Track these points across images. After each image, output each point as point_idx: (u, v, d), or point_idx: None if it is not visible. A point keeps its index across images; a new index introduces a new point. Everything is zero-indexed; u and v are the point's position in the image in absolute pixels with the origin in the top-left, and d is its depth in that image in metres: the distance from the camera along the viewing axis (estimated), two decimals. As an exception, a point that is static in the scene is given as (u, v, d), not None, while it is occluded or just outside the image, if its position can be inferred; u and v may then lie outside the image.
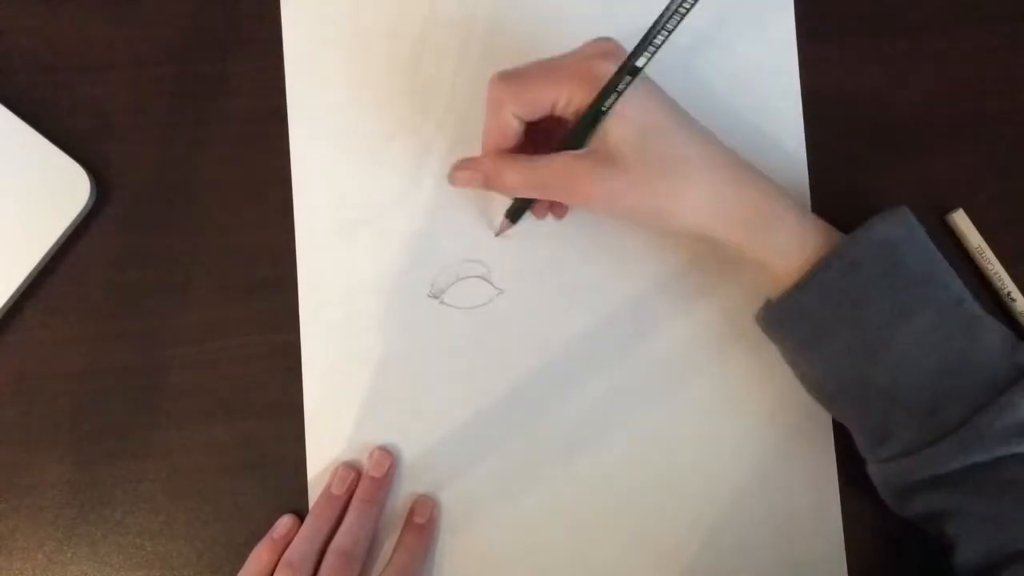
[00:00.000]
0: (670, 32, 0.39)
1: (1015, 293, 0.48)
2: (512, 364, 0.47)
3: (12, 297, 0.46)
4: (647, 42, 0.39)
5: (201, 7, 0.48)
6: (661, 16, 0.38)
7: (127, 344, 0.47)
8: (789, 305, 0.41)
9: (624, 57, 0.40)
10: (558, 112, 0.41)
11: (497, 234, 0.47)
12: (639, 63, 0.39)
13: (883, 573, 0.47)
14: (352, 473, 0.46)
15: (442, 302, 0.47)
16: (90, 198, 0.47)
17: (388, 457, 0.46)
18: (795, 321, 0.41)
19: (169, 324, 0.47)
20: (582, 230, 0.48)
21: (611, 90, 0.39)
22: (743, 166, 0.42)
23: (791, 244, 0.41)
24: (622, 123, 0.40)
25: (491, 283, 0.47)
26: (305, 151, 0.48)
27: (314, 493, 0.46)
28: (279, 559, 0.44)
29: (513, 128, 0.41)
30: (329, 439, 0.47)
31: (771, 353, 0.47)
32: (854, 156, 0.49)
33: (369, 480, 0.45)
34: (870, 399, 0.40)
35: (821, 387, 0.43)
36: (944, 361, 0.39)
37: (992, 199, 0.49)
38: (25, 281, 0.46)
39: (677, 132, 0.41)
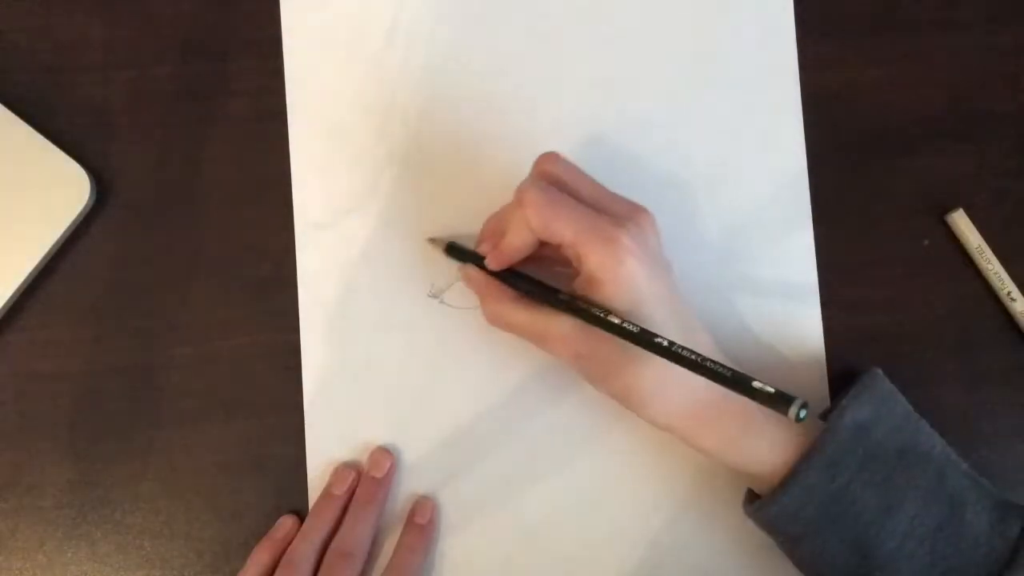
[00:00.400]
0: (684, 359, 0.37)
1: (1015, 293, 0.48)
2: (511, 364, 0.47)
3: (12, 297, 0.46)
4: (666, 350, 0.37)
5: (201, 7, 0.48)
6: (687, 355, 0.36)
7: (127, 344, 0.47)
8: (775, 509, 0.40)
9: (656, 244, 0.40)
10: (564, 251, 0.40)
11: (429, 240, 0.47)
12: (657, 344, 0.37)
13: None
14: (352, 473, 0.46)
15: (442, 302, 0.47)
16: (90, 198, 0.47)
17: (388, 457, 0.46)
18: (783, 521, 0.41)
19: (169, 324, 0.47)
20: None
21: (621, 333, 0.38)
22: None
23: (767, 451, 0.40)
24: (615, 298, 0.39)
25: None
26: (305, 150, 0.48)
27: (314, 493, 0.46)
28: (279, 560, 0.44)
29: (530, 237, 0.40)
30: (329, 439, 0.47)
31: (773, 353, 0.47)
32: (854, 156, 0.49)
33: (369, 480, 0.45)
34: None
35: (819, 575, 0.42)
36: (936, 551, 0.39)
37: (992, 199, 0.49)
38: (25, 281, 0.46)
39: (663, 323, 0.39)
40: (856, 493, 0.39)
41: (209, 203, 0.48)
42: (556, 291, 0.41)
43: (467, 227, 0.48)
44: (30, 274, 0.46)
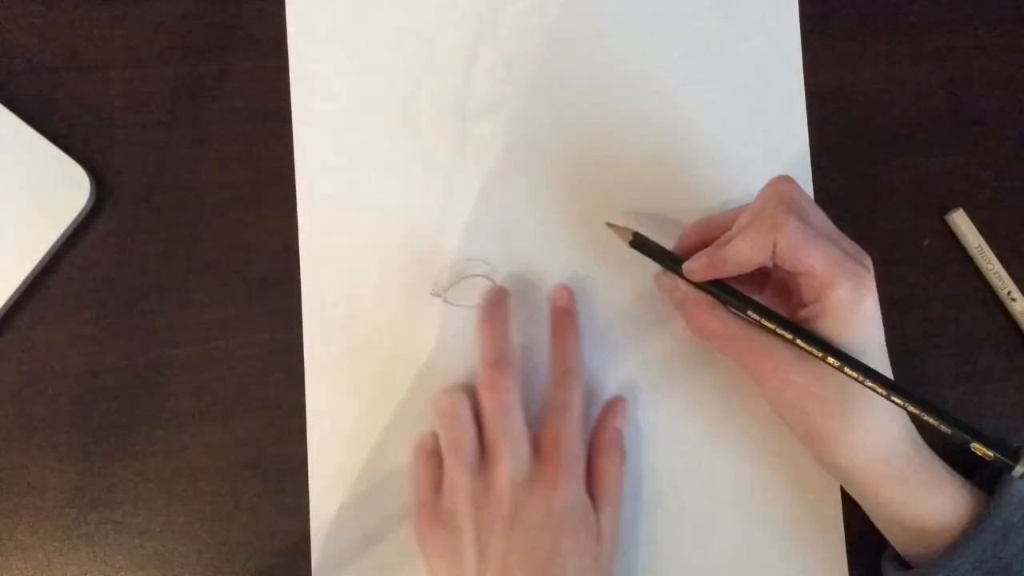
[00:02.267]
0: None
1: (1015, 293, 0.48)
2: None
3: (12, 297, 0.46)
4: (900, 394, 0.39)
5: (201, 7, 0.48)
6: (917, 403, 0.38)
7: (127, 344, 0.47)
8: (943, 571, 0.39)
9: (870, 272, 0.40)
10: (798, 280, 0.40)
11: (608, 224, 0.46)
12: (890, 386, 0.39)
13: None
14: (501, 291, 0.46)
15: (445, 300, 0.47)
16: (90, 198, 0.47)
17: (566, 290, 0.46)
18: None
19: (169, 324, 0.47)
20: (585, 231, 0.48)
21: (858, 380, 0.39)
22: (911, 425, 0.41)
23: (946, 508, 0.40)
24: (850, 334, 0.39)
25: (494, 282, 0.47)
26: (309, 149, 0.48)
27: (315, 493, 0.46)
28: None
29: (765, 255, 0.39)
30: (331, 438, 0.47)
31: None
32: (855, 156, 0.49)
33: (483, 304, 0.46)
34: None
35: None
36: None
37: (992, 199, 0.49)
38: (25, 281, 0.46)
39: (883, 368, 0.40)
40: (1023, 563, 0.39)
41: (209, 203, 0.48)
42: (779, 316, 0.41)
43: (473, 228, 0.48)
44: (30, 274, 0.46)
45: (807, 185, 0.48)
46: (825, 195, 0.48)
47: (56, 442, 0.47)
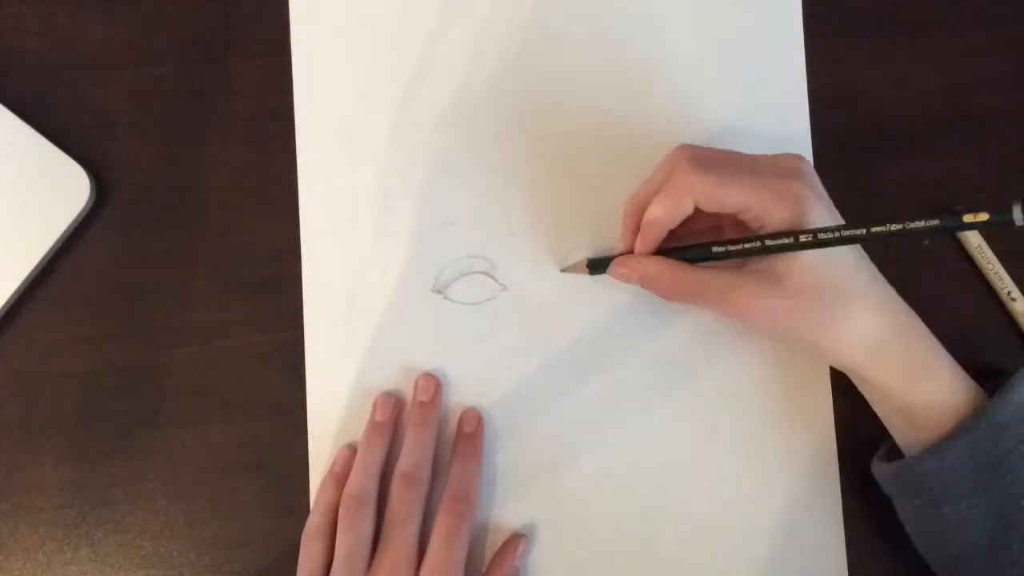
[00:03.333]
0: (900, 234, 0.37)
1: (1015, 293, 0.47)
2: (515, 361, 0.47)
3: (12, 297, 0.46)
4: (870, 234, 0.38)
5: (201, 7, 0.48)
6: (907, 225, 0.37)
7: (127, 344, 0.47)
8: (931, 461, 0.40)
9: (813, 178, 0.41)
10: (739, 218, 0.41)
11: (563, 270, 0.47)
12: (854, 235, 0.38)
13: (885, 573, 0.47)
14: (392, 400, 0.46)
15: (446, 298, 0.47)
16: (90, 198, 0.47)
17: (433, 381, 0.46)
18: (935, 478, 0.40)
19: (169, 324, 0.47)
20: (586, 229, 0.48)
21: (815, 244, 0.38)
22: (907, 310, 0.41)
23: (941, 396, 0.40)
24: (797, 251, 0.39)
25: (495, 279, 0.47)
26: (311, 149, 0.48)
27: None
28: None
29: (684, 214, 0.41)
30: (331, 437, 0.47)
31: (773, 352, 0.47)
32: (856, 156, 0.49)
33: (418, 405, 0.46)
34: (996, 569, 0.40)
35: (944, 547, 0.41)
36: None
37: (992, 199, 0.49)
38: (25, 281, 0.46)
39: (846, 265, 0.40)
40: (1015, 463, 0.39)
41: (209, 203, 0.48)
42: (711, 243, 0.41)
43: (475, 225, 0.48)
44: (30, 274, 0.46)
45: (807, 185, 0.48)
46: (829, 194, 0.48)
47: (56, 442, 0.47)
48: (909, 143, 0.49)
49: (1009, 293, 0.47)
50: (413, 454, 0.45)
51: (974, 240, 0.48)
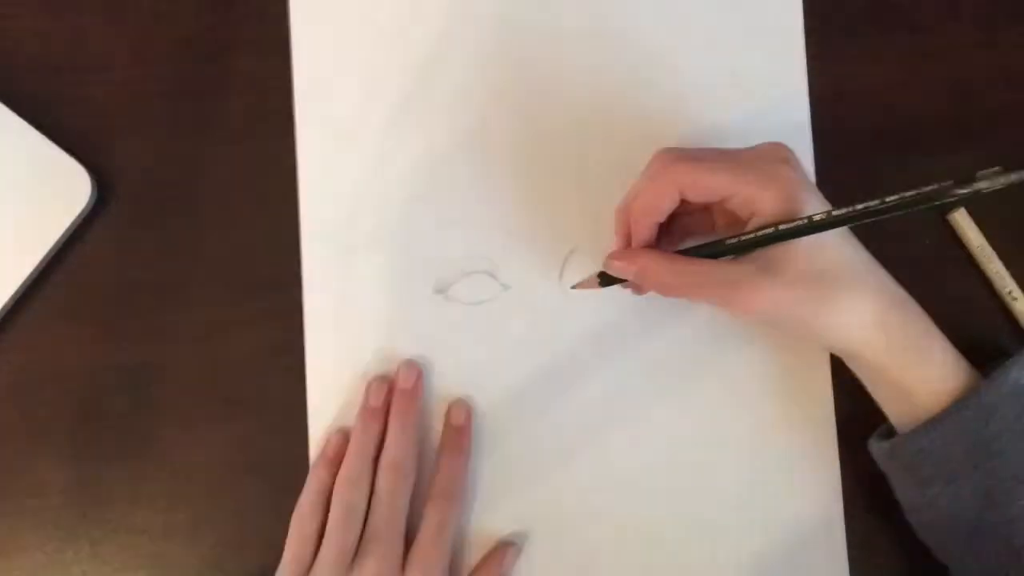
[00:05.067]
0: (896, 212, 0.38)
1: (1016, 292, 0.47)
2: (516, 361, 0.47)
3: (12, 297, 0.46)
4: (868, 212, 0.38)
5: (201, 7, 0.48)
6: (904, 198, 0.38)
7: (127, 344, 0.47)
8: (923, 440, 0.40)
9: (798, 164, 0.41)
10: (727, 206, 0.41)
11: (574, 287, 0.46)
12: (844, 216, 0.38)
13: (886, 572, 0.46)
14: (385, 385, 0.46)
15: (447, 297, 0.47)
16: (90, 198, 0.47)
17: (414, 368, 0.46)
18: (925, 457, 0.40)
19: (169, 323, 0.47)
20: (587, 229, 0.48)
21: (805, 230, 0.39)
22: (900, 291, 0.42)
23: (935, 376, 0.41)
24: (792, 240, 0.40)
25: (496, 279, 0.47)
26: (311, 149, 0.48)
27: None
28: (335, 475, 0.45)
29: (671, 205, 0.41)
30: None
31: (774, 352, 0.47)
32: (858, 154, 0.49)
33: (400, 393, 0.46)
34: (984, 547, 0.40)
35: (933, 524, 0.42)
36: None
37: (992, 198, 0.48)
38: (25, 281, 0.46)
39: (841, 249, 0.40)
40: (1005, 444, 0.39)
41: (209, 203, 0.48)
42: (723, 238, 0.41)
43: (476, 225, 0.48)
44: (30, 274, 0.46)
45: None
46: (827, 194, 0.48)
47: (56, 442, 0.47)
48: (909, 143, 0.49)
49: (1010, 292, 0.47)
50: (398, 444, 0.45)
51: (975, 239, 0.47)
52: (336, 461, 0.45)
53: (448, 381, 0.47)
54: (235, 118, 0.48)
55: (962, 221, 0.48)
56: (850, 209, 0.38)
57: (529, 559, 0.46)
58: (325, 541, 0.43)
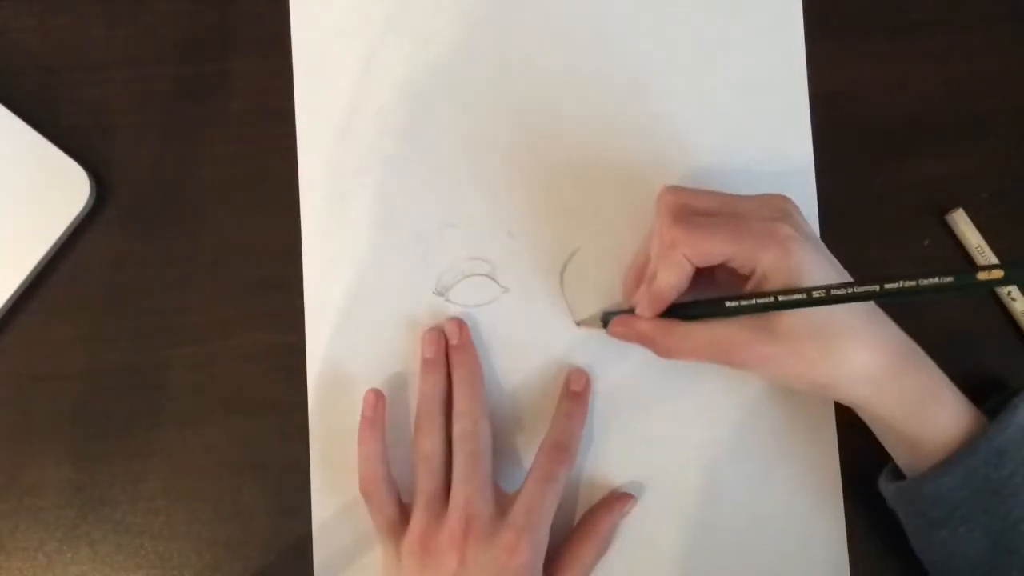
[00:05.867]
0: (914, 291, 0.36)
1: (1015, 293, 0.47)
2: (516, 363, 0.47)
3: (12, 297, 0.46)
4: (883, 291, 0.37)
5: (201, 7, 0.48)
6: (920, 282, 0.36)
7: (127, 344, 0.47)
8: (930, 485, 0.40)
9: (803, 222, 0.41)
10: (730, 266, 0.40)
11: (579, 324, 0.47)
12: (867, 291, 0.37)
13: (887, 572, 0.47)
14: (437, 334, 0.46)
15: (447, 300, 0.47)
16: (90, 198, 0.47)
17: (458, 323, 0.46)
18: (933, 501, 0.40)
19: (169, 324, 0.47)
20: (587, 231, 0.48)
21: (804, 303, 0.38)
22: (907, 342, 0.41)
23: (942, 425, 0.40)
24: (792, 284, 0.39)
25: (496, 281, 0.47)
26: (311, 149, 0.48)
27: (316, 493, 0.46)
28: (383, 435, 0.45)
29: (687, 271, 0.41)
30: (332, 438, 0.47)
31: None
32: (857, 156, 0.49)
33: (453, 349, 0.46)
34: None
35: (944, 567, 0.42)
36: None
37: (992, 199, 0.49)
38: (25, 281, 0.46)
39: (840, 306, 0.39)
40: (1015, 487, 0.39)
41: (209, 203, 0.48)
42: (723, 297, 0.41)
43: (476, 228, 0.48)
44: (30, 274, 0.46)
45: (809, 184, 0.48)
46: (827, 195, 0.48)
47: (56, 442, 0.47)
48: (909, 143, 0.49)
49: (1009, 293, 0.47)
50: (466, 397, 0.45)
51: (974, 240, 0.48)
52: (380, 422, 0.45)
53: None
54: (235, 118, 0.48)
55: (961, 222, 0.48)
56: (850, 291, 0.37)
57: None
58: (416, 497, 0.43)
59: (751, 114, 0.48)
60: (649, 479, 0.47)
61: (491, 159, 0.48)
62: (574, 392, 0.46)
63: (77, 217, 0.46)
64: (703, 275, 0.42)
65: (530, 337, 0.47)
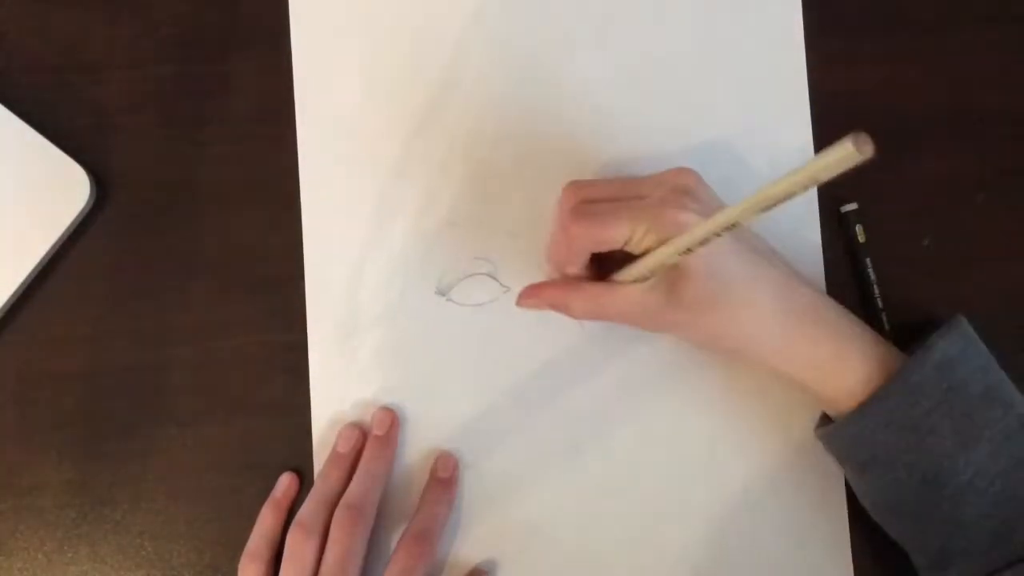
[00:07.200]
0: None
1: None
2: (518, 362, 0.47)
3: (12, 297, 0.46)
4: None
5: (201, 7, 0.48)
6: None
7: (127, 344, 0.47)
8: (850, 431, 0.41)
9: (704, 193, 0.41)
10: (628, 248, 0.41)
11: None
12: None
13: (889, 572, 0.47)
14: (356, 432, 0.46)
15: (449, 299, 0.47)
16: (90, 198, 0.47)
17: (390, 415, 0.46)
18: (856, 445, 0.41)
19: (169, 324, 0.47)
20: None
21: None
22: (813, 299, 0.42)
23: (851, 387, 0.41)
24: (690, 257, 0.39)
25: (498, 281, 0.47)
26: (311, 148, 0.48)
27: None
28: (284, 519, 0.45)
29: (586, 257, 0.42)
30: (333, 438, 0.46)
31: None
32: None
33: (374, 439, 0.46)
34: (931, 524, 0.40)
35: (880, 507, 0.43)
36: (1008, 489, 0.39)
37: (992, 199, 0.49)
38: (25, 281, 0.46)
39: (729, 269, 0.40)
40: (934, 423, 0.39)
41: (209, 203, 0.48)
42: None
43: (475, 228, 0.48)
44: (30, 274, 0.46)
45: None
46: (826, 194, 0.48)
47: (56, 442, 0.47)
48: (909, 143, 0.49)
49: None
50: (361, 485, 0.44)
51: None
52: (284, 503, 0.45)
53: (448, 382, 0.47)
54: (235, 118, 0.48)
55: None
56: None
57: (532, 553, 0.46)
58: None
59: (751, 114, 0.48)
60: (649, 480, 0.47)
61: (491, 158, 0.48)
62: (440, 479, 0.46)
63: (77, 217, 0.46)
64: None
65: (530, 337, 0.47)
